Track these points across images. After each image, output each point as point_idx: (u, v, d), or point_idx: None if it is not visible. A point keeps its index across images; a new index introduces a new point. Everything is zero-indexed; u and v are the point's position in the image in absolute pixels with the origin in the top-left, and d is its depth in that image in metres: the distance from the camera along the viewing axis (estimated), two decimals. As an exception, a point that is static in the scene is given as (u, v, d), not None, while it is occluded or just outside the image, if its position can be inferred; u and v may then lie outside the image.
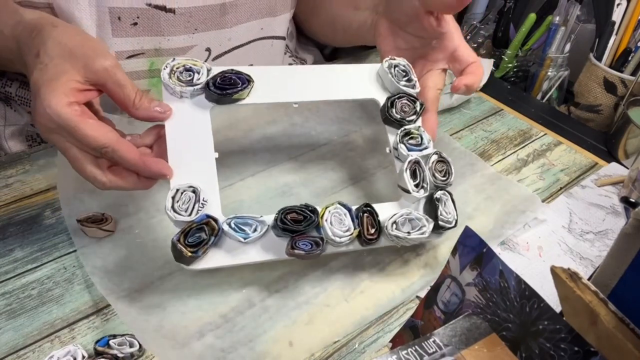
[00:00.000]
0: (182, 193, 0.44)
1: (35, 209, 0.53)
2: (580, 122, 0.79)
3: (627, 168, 0.68)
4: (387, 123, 0.53)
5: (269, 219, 0.46)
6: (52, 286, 0.47)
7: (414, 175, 0.50)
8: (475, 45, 0.89)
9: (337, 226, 0.46)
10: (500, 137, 0.72)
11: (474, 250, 0.34)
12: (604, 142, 0.74)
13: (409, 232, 0.47)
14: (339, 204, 0.47)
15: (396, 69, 0.54)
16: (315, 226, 0.46)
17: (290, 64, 0.78)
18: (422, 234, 0.47)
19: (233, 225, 0.44)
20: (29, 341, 0.43)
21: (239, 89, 0.48)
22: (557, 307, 0.31)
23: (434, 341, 0.31)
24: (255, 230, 0.45)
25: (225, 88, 0.48)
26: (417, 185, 0.49)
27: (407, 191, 0.49)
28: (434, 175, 0.50)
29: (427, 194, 0.50)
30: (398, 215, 0.47)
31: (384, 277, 0.51)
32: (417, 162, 0.50)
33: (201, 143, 0.48)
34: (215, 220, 0.44)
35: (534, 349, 0.30)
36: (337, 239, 0.45)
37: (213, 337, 0.44)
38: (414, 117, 0.53)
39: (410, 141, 0.51)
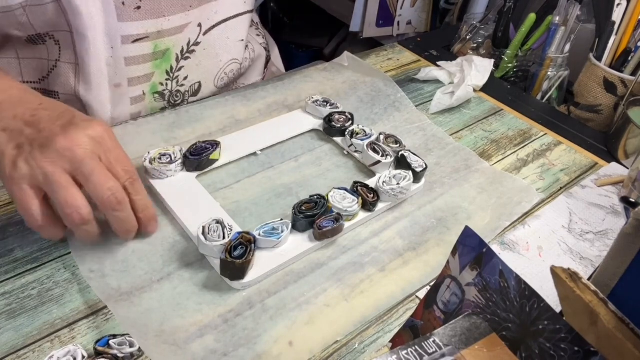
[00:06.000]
0: (208, 227, 0.49)
1: (35, 209, 0.53)
2: (580, 122, 0.79)
3: (627, 168, 0.68)
4: (333, 134, 0.66)
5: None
6: (52, 286, 0.47)
7: (375, 152, 0.61)
8: (475, 45, 0.89)
9: (343, 202, 0.54)
10: (500, 137, 0.72)
11: (474, 250, 0.34)
12: (604, 142, 0.74)
13: (398, 184, 0.56)
14: (335, 188, 0.55)
15: (318, 101, 0.68)
16: (325, 209, 0.53)
17: (257, 35, 0.82)
18: (408, 180, 0.57)
19: (263, 234, 0.50)
20: (29, 341, 0.43)
21: (212, 151, 0.58)
22: (557, 307, 0.31)
23: (434, 341, 0.31)
24: (283, 230, 0.51)
25: (201, 154, 0.58)
26: (382, 156, 0.61)
27: (378, 162, 0.60)
28: (389, 146, 0.63)
29: (392, 159, 0.61)
30: (383, 175, 0.58)
31: (384, 277, 0.51)
32: (373, 143, 0.62)
33: (202, 197, 0.55)
34: (248, 233, 0.49)
35: (534, 349, 0.30)
36: (349, 209, 0.53)
37: (213, 339, 0.44)
38: (349, 122, 0.67)
39: (358, 136, 0.64)
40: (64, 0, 0.55)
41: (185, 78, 0.70)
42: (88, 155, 0.44)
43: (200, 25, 0.67)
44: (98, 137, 0.45)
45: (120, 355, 0.41)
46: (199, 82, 0.72)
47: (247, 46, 0.77)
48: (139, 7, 0.59)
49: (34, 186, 0.43)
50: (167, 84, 0.69)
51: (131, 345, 0.42)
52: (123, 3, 0.58)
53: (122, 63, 0.62)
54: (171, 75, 0.68)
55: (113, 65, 0.62)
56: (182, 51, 0.67)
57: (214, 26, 0.69)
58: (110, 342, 0.41)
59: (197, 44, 0.68)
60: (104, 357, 0.40)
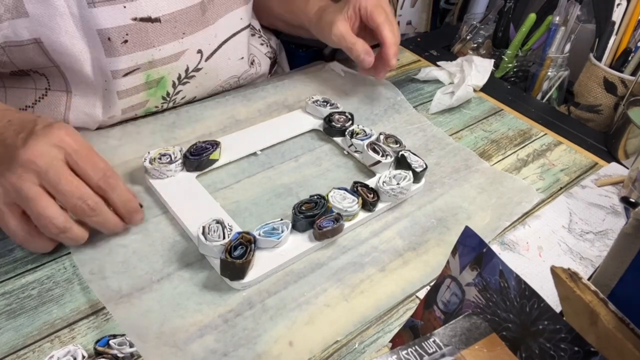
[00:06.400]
0: (208, 227, 0.49)
1: (35, 209, 0.53)
2: (580, 122, 0.79)
3: (627, 168, 0.68)
4: (333, 134, 0.67)
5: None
6: (52, 286, 0.47)
7: (375, 152, 0.61)
8: (475, 45, 0.89)
9: (343, 202, 0.54)
10: (500, 137, 0.72)
11: (474, 250, 0.34)
12: (604, 142, 0.74)
13: (398, 184, 0.56)
14: (335, 188, 0.55)
15: (318, 101, 0.69)
16: (325, 209, 0.53)
17: (262, 44, 0.80)
18: (408, 180, 0.57)
19: (263, 234, 0.50)
20: (29, 341, 0.43)
21: (212, 151, 0.58)
22: (557, 307, 0.31)
23: (434, 341, 0.31)
24: (283, 230, 0.51)
25: (201, 154, 0.58)
26: (382, 156, 0.61)
27: (378, 162, 0.60)
28: (389, 146, 0.63)
29: (392, 159, 0.61)
30: (383, 175, 0.58)
31: (384, 277, 0.51)
32: (373, 143, 0.62)
33: (202, 197, 0.55)
34: (248, 233, 0.49)
35: (534, 349, 0.30)
36: (349, 209, 0.53)
37: (213, 339, 0.44)
38: (349, 122, 0.67)
39: (358, 136, 0.64)
40: (45, 41, 0.53)
41: (183, 98, 0.69)
42: (51, 164, 0.43)
43: (200, 51, 0.65)
44: (59, 141, 0.44)
45: (120, 355, 0.41)
46: (195, 96, 0.71)
47: (252, 62, 0.75)
48: (125, 41, 0.57)
49: (10, 203, 0.44)
50: (162, 106, 0.67)
51: (131, 345, 0.42)
52: (109, 39, 0.56)
53: (115, 96, 0.61)
54: (168, 99, 0.66)
55: (108, 98, 0.61)
56: (179, 77, 0.65)
57: (215, 50, 0.67)
58: (110, 342, 0.41)
59: (197, 69, 0.66)
60: (104, 357, 0.40)
